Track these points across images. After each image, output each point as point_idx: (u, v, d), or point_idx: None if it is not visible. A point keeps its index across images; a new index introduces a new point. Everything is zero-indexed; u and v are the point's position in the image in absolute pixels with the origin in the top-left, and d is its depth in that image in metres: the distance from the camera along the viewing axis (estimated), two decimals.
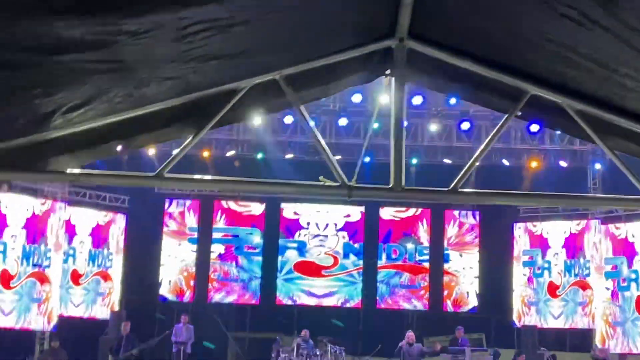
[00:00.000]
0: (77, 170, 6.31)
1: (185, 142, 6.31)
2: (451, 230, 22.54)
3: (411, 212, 22.72)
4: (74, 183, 20.60)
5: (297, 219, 22.76)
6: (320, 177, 6.59)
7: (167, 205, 22.58)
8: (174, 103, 6.19)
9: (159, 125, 6.34)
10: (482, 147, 6.77)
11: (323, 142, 6.86)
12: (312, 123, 6.94)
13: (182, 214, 22.65)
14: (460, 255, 22.40)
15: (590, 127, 6.45)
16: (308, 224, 22.70)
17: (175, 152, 6.70)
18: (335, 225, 22.69)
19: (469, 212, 22.54)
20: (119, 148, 6.00)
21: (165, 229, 22.51)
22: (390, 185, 6.33)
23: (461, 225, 22.52)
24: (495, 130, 6.80)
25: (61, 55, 4.74)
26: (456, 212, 22.60)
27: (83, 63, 5.00)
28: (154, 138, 6.52)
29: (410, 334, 18.81)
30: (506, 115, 6.65)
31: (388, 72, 6.51)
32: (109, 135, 6.10)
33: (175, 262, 22.43)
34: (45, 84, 5.20)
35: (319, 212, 22.74)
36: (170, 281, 22.33)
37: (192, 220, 22.65)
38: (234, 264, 22.49)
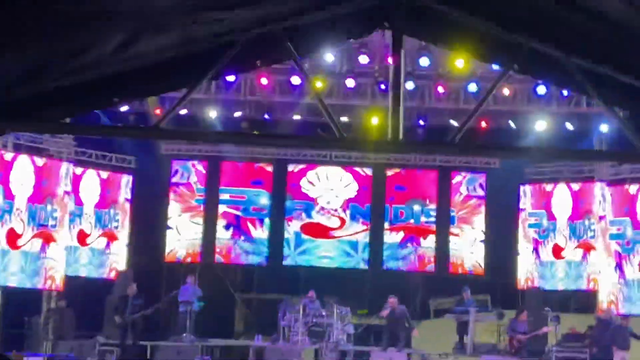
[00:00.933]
0: (76, 122, 6.33)
1: (183, 94, 6.30)
2: (457, 198, 22.52)
3: (418, 174, 22.72)
4: (80, 144, 20.75)
5: (304, 180, 22.76)
6: (319, 130, 6.61)
7: (173, 166, 22.58)
8: (173, 54, 6.18)
9: (156, 77, 6.33)
10: (484, 97, 6.70)
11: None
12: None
13: (188, 176, 22.66)
14: (466, 218, 22.41)
15: (588, 82, 6.42)
16: (315, 185, 22.72)
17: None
18: (342, 187, 22.69)
19: (475, 178, 22.49)
20: (116, 99, 6.00)
21: (172, 191, 22.53)
22: (387, 138, 6.34)
23: (468, 197, 22.52)
24: (496, 81, 6.77)
25: (58, 4, 4.74)
26: (462, 176, 22.57)
27: (79, 12, 5.00)
28: (151, 90, 6.51)
29: (392, 299, 18.77)
30: (503, 71, 6.62)
31: (386, 24, 6.49)
32: (107, 87, 6.10)
33: (182, 223, 22.47)
34: (43, 33, 5.20)
35: (326, 173, 22.75)
36: (177, 242, 22.40)
37: (198, 182, 22.67)
38: (240, 225, 22.54)
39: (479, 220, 22.37)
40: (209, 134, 7.72)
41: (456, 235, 22.34)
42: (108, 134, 6.55)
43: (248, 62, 6.60)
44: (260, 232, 22.57)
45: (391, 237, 22.47)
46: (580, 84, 6.52)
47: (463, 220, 22.41)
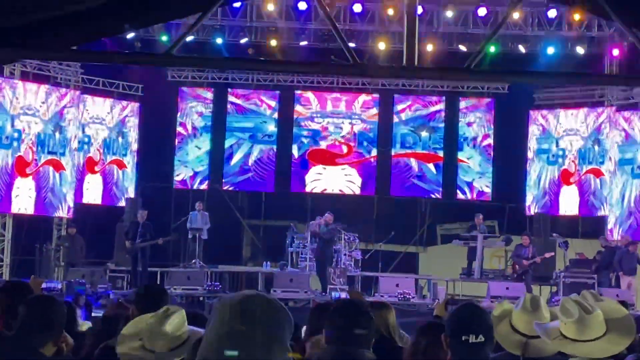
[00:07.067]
0: (85, 49, 6.22)
1: (195, 20, 6.17)
2: (465, 124, 22.42)
3: (425, 99, 22.58)
4: (87, 72, 20.62)
5: (312, 107, 22.65)
6: (332, 56, 6.49)
7: (180, 93, 22.47)
8: None
9: (168, 3, 6.19)
10: (500, 23, 6.54)
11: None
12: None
13: (194, 103, 22.57)
14: (474, 146, 22.34)
15: (607, 4, 6.29)
16: (322, 112, 22.61)
17: (189, 39, 6.53)
18: (349, 113, 22.59)
19: (484, 101, 22.38)
20: (127, 26, 5.88)
21: (178, 115, 22.46)
22: (403, 64, 6.23)
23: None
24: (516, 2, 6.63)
25: None
26: (470, 101, 22.44)
27: None
28: (163, 16, 6.39)
29: (329, 216, 18.50)
30: None
31: None
32: (118, 13, 5.98)
33: (189, 151, 22.46)
34: None
35: (334, 100, 22.63)
36: (184, 169, 22.41)
37: (205, 109, 22.58)
38: (247, 152, 22.51)
39: (488, 146, 22.31)
40: (223, 60, 7.56)
41: (464, 161, 22.30)
42: (119, 61, 6.41)
43: None
44: (267, 159, 22.54)
45: (399, 164, 22.43)
46: (598, 5, 6.39)
47: (471, 146, 22.36)
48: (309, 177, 22.53)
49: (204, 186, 22.44)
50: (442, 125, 22.52)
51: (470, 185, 22.28)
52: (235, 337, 2.30)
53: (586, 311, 3.76)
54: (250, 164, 22.50)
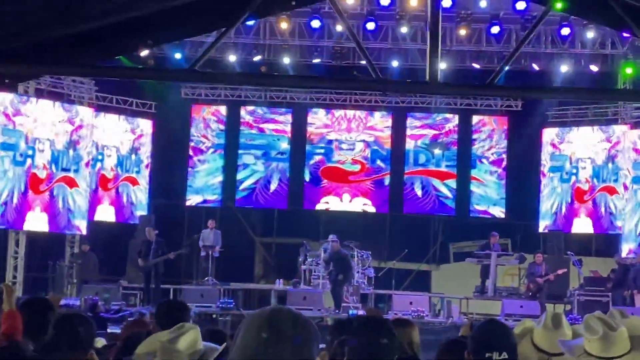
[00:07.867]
0: (106, 65, 6.24)
1: (219, 35, 6.17)
2: (478, 142, 22.41)
3: (438, 117, 22.57)
4: (101, 89, 20.70)
5: (324, 125, 22.66)
6: (354, 72, 6.49)
7: (193, 110, 22.53)
8: None
9: (187, 19, 6.20)
10: (525, 36, 6.53)
11: (348, 25, 6.69)
12: (340, 29, 6.76)
13: (208, 120, 22.61)
14: (488, 164, 22.30)
15: (630, 17, 6.27)
16: (335, 130, 22.61)
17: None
18: (363, 130, 22.59)
19: (497, 118, 22.36)
20: (150, 42, 5.89)
21: (191, 132, 22.51)
22: (426, 80, 6.22)
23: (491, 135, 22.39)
24: (538, 19, 6.62)
25: None
26: (484, 118, 22.42)
27: None
28: (183, 33, 6.40)
29: (335, 244, 18.24)
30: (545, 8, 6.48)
31: None
32: (140, 29, 5.99)
33: (200, 167, 22.49)
34: None
35: (346, 118, 22.63)
36: (196, 186, 22.43)
37: (218, 126, 22.63)
38: (260, 169, 22.52)
39: (501, 164, 22.27)
40: (245, 76, 7.58)
41: (477, 179, 22.25)
42: (146, 77, 6.44)
43: (283, 1, 6.48)
44: (279, 177, 22.54)
45: (411, 181, 22.40)
46: (620, 19, 6.36)
47: (484, 164, 22.33)
48: (321, 194, 22.50)
49: (216, 199, 22.41)
50: (455, 142, 22.48)
51: (485, 211, 22.23)
52: (263, 352, 2.30)
53: (610, 328, 3.74)
54: (262, 182, 22.49)
